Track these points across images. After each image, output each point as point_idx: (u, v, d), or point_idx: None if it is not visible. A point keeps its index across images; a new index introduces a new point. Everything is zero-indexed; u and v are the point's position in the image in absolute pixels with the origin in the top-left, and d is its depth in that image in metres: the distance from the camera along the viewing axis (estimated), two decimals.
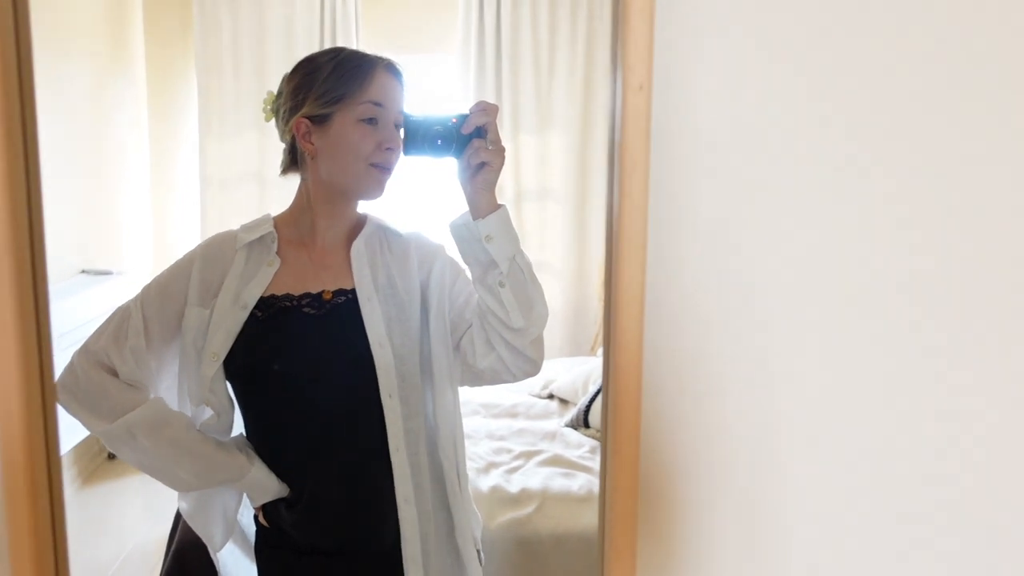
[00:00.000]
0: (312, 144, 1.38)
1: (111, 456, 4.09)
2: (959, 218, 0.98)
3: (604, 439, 0.88)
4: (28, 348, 0.81)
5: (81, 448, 3.84)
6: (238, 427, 1.46)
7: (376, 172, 1.37)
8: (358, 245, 1.43)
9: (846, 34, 0.94)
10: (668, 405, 0.94)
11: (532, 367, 1.39)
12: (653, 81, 0.78)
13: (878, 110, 0.95)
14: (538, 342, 1.39)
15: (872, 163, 0.96)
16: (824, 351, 0.98)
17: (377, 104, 1.35)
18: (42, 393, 0.83)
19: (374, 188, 1.38)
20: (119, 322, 1.38)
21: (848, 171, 0.95)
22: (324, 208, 1.42)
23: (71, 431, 3.70)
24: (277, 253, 1.41)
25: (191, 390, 1.40)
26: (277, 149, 1.47)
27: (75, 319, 3.42)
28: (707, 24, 0.90)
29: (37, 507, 0.83)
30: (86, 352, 1.39)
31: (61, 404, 1.36)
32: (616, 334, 0.80)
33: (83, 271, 3.89)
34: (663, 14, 0.81)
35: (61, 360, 3.47)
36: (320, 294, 1.40)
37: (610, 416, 0.85)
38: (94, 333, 1.41)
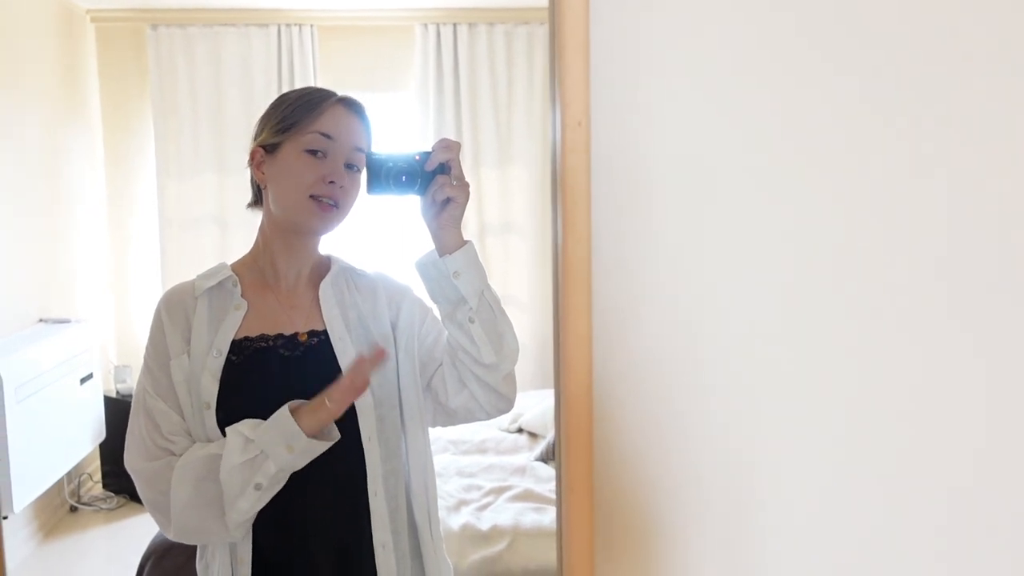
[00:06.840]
0: (263, 173, 1.36)
1: (73, 508, 4.00)
2: (909, 254, 1.00)
3: (558, 472, 0.88)
4: None
5: (42, 501, 3.75)
6: None
7: (315, 206, 1.31)
8: (325, 286, 1.41)
9: (780, 71, 0.96)
10: (619, 435, 0.94)
11: (505, 404, 1.38)
12: (591, 117, 0.80)
13: (813, 129, 0.98)
14: (510, 378, 1.37)
15: (812, 192, 0.98)
16: (775, 375, 1.00)
17: (325, 135, 1.32)
18: None
19: (315, 223, 1.33)
20: (144, 412, 1.33)
21: (787, 202, 0.98)
22: (280, 245, 1.39)
23: (28, 485, 3.59)
24: (242, 296, 1.39)
25: (197, 438, 1.34)
26: (237, 191, 1.44)
27: (35, 369, 3.36)
28: (645, 60, 0.92)
29: None
30: (138, 459, 1.32)
31: (177, 538, 1.30)
32: (565, 364, 0.81)
33: (41, 320, 3.83)
34: (599, 51, 0.83)
35: (22, 410, 3.39)
36: (294, 335, 1.37)
37: (562, 448, 0.85)
38: (128, 438, 1.34)
